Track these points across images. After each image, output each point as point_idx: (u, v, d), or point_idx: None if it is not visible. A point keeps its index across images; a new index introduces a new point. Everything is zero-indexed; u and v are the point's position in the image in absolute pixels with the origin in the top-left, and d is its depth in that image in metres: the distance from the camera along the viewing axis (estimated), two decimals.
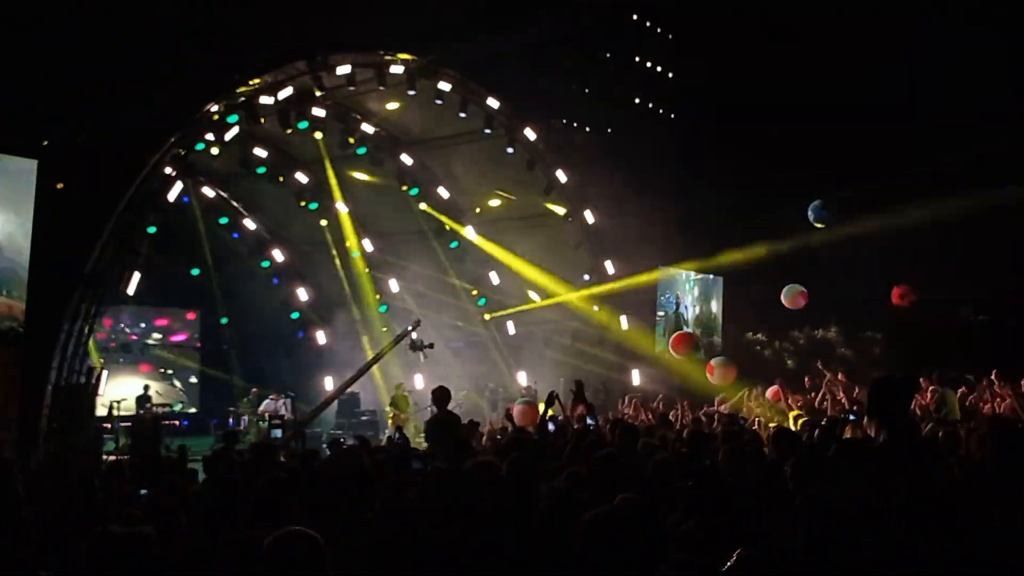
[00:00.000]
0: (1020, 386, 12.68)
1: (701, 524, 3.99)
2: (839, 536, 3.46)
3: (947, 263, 21.71)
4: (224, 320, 24.11)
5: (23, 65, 13.00)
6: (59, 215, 13.43)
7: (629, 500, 3.76)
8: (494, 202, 22.06)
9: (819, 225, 16.99)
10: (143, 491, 7.05)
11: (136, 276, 14.88)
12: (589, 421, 9.86)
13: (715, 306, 25.20)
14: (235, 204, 23.01)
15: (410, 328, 16.62)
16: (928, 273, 21.51)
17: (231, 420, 21.26)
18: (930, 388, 12.27)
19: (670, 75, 28.23)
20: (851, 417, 10.18)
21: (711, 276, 24.90)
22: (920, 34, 22.43)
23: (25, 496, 6.39)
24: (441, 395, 9.34)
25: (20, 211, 13.32)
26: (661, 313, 23.21)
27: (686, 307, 24.10)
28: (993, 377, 12.27)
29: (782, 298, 17.88)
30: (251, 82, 16.28)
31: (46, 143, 13.55)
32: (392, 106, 19.55)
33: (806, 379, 16.00)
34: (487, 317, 23.30)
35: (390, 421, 19.35)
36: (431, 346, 17.15)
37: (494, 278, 23.02)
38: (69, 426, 13.60)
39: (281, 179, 21.00)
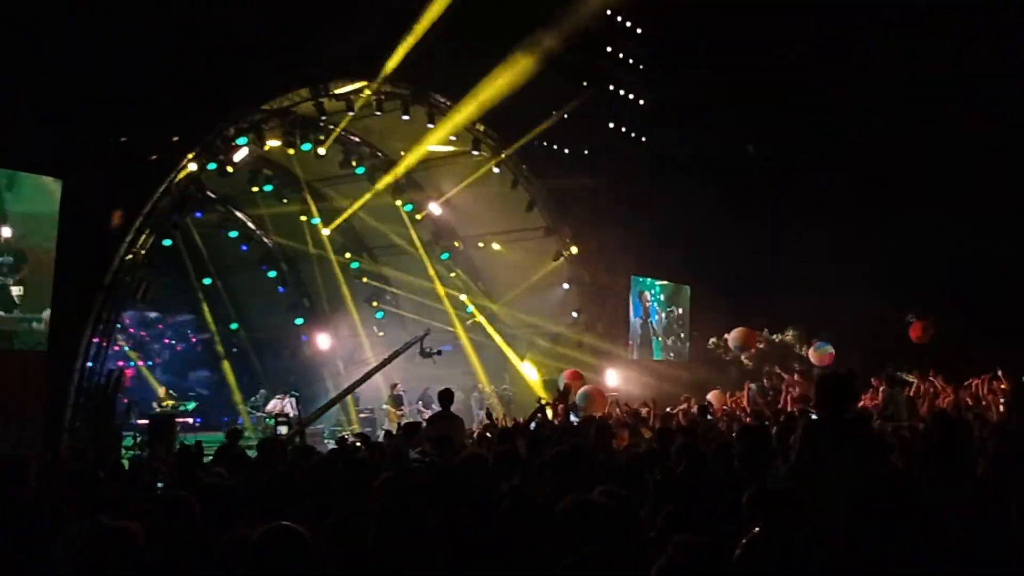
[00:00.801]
0: (971, 386, 12.82)
1: (670, 514, 4.02)
2: (781, 524, 3.50)
3: (894, 272, 21.97)
4: (234, 325, 24.09)
5: (50, 89, 13.00)
6: (81, 229, 13.43)
7: (606, 491, 3.81)
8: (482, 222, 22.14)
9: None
10: (160, 484, 7.04)
11: (153, 285, 14.85)
12: (572, 418, 9.94)
13: (682, 312, 25.33)
14: (244, 219, 23.01)
15: (421, 336, 16.75)
16: (876, 282, 21.78)
17: (240, 418, 21.24)
18: (880, 388, 12.37)
19: (641, 102, 28.35)
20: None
21: (679, 284, 25.06)
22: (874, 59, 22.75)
23: (46, 489, 6.38)
24: (446, 396, 9.44)
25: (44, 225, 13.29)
26: (636, 322, 23.33)
27: (653, 314, 24.20)
28: (931, 376, 12.41)
29: (810, 354, 18.17)
30: (260, 107, 16.31)
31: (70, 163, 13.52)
32: (388, 129, 19.58)
33: (764, 379, 16.17)
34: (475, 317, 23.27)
35: (389, 418, 19.39)
36: (439, 352, 17.33)
37: (481, 287, 23.04)
38: (90, 424, 13.56)
39: (286, 200, 21.02)
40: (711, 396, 15.54)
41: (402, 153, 19.85)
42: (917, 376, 12.88)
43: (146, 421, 16.84)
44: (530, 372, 21.41)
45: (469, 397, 21.15)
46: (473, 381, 21.90)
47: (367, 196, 20.51)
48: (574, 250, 21.46)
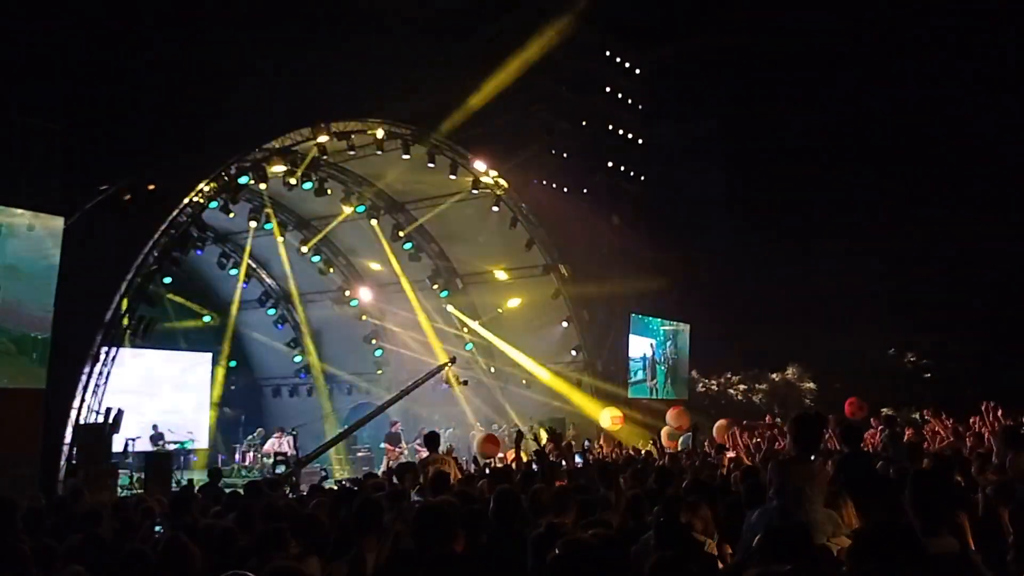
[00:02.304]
0: (973, 424, 12.72)
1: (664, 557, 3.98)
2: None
3: (880, 309, 22.14)
4: (232, 363, 24.03)
5: (53, 129, 13.11)
6: (82, 267, 13.44)
7: (599, 534, 3.79)
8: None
9: None
10: (158, 527, 6.95)
11: (152, 323, 14.84)
12: (578, 460, 9.95)
13: (680, 351, 25.29)
14: (244, 257, 23.02)
15: (445, 364, 16.56)
16: (862, 318, 21.96)
17: (237, 456, 21.08)
18: (879, 428, 12.28)
19: (640, 141, 28.62)
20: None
21: (678, 324, 25.06)
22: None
23: (42, 528, 6.32)
24: (431, 438, 9.60)
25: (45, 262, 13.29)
26: (636, 356, 23.26)
27: (658, 353, 24.15)
28: (927, 415, 12.33)
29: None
30: (262, 146, 16.42)
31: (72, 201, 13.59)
32: (388, 168, 19.69)
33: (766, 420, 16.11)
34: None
35: (388, 456, 19.24)
36: (465, 383, 17.08)
37: (479, 328, 22.97)
38: (87, 462, 13.46)
39: (283, 237, 21.07)
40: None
41: (402, 191, 19.95)
42: (930, 415, 12.77)
43: (143, 459, 16.73)
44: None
45: (468, 435, 21.03)
46: (470, 420, 21.78)
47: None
48: (573, 288, 21.49)
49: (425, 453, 18.21)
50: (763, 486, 5.76)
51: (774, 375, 23.01)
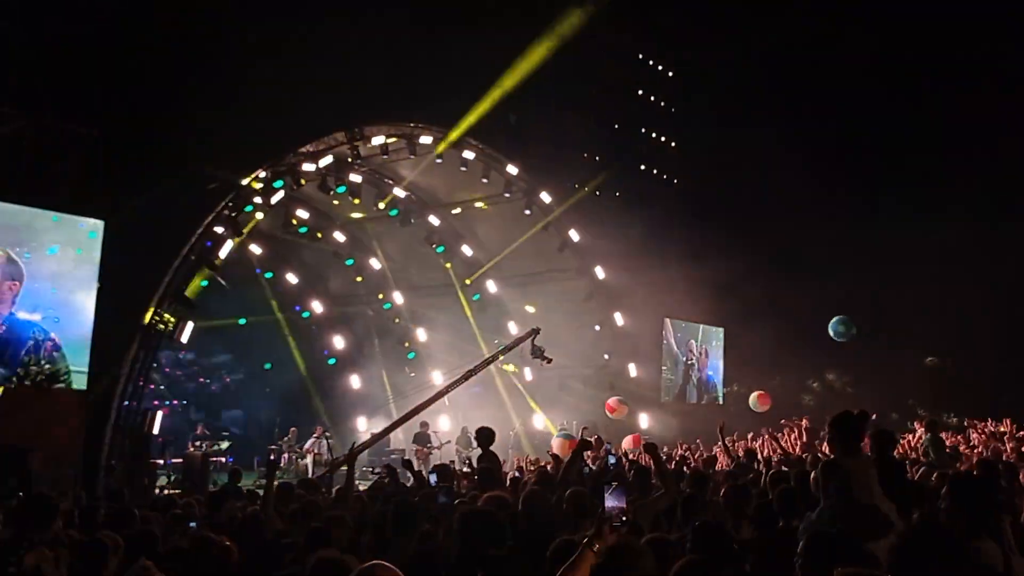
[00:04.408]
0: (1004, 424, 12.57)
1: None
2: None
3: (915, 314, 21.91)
4: (268, 365, 24.25)
5: (92, 135, 13.33)
6: (121, 271, 13.66)
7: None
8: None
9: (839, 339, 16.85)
10: (192, 523, 7.05)
11: (189, 326, 15.01)
12: (611, 460, 9.94)
13: (715, 355, 25.13)
14: (279, 260, 23.23)
15: (532, 332, 16.08)
16: (895, 323, 21.73)
17: (272, 457, 21.25)
18: (921, 432, 12.14)
19: (672, 144, 28.50)
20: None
21: (712, 327, 24.89)
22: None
23: (95, 524, 6.43)
24: (486, 435, 9.59)
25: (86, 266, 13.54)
26: (670, 360, 23.14)
27: (693, 358, 24.00)
28: (969, 422, 12.20)
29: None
30: (296, 151, 16.58)
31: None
32: (421, 172, 19.78)
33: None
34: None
35: (417, 456, 19.28)
36: (550, 360, 16.36)
37: (512, 328, 22.98)
38: (126, 463, 13.68)
39: (319, 236, 21.20)
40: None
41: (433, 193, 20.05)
42: (970, 422, 12.64)
43: (180, 460, 16.95)
44: (539, 424, 21.29)
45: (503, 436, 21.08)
46: (506, 421, 21.78)
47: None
48: (605, 292, 21.43)
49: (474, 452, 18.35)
50: (793, 491, 5.74)
51: (812, 382, 22.79)
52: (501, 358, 16.90)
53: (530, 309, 21.98)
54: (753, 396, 18.46)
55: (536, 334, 15.54)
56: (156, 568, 4.33)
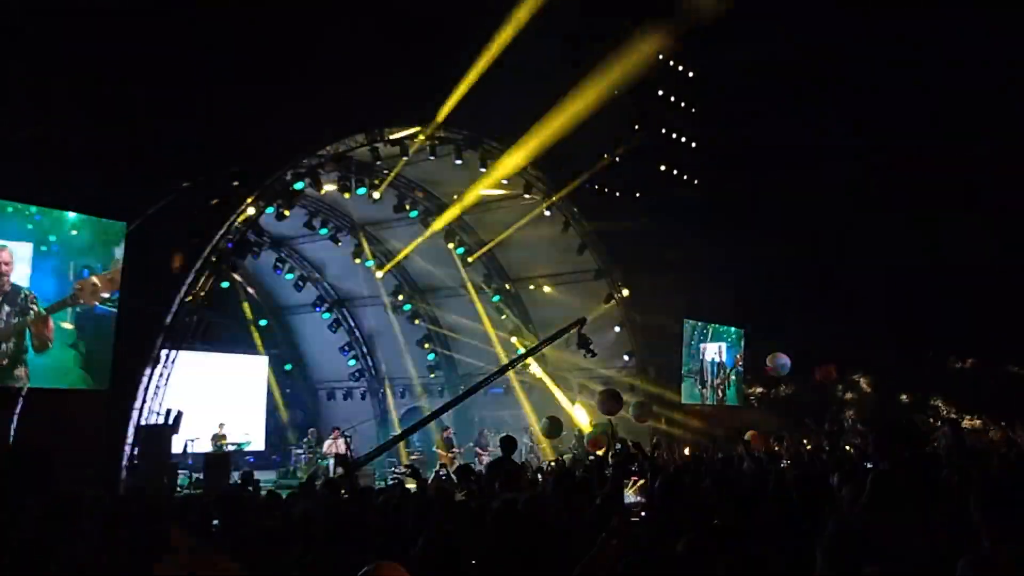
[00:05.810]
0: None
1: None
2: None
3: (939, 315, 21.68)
4: (288, 366, 24.38)
5: (113, 136, 13.40)
6: (143, 270, 13.74)
7: None
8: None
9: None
10: (215, 522, 7.05)
11: (211, 326, 15.08)
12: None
13: (735, 355, 24.93)
14: (300, 261, 23.35)
15: (579, 322, 15.77)
16: (919, 323, 21.51)
17: (292, 457, 21.36)
18: (942, 432, 12.00)
19: (693, 144, 28.34)
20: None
21: (732, 327, 24.70)
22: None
23: (104, 527, 6.44)
24: (508, 443, 9.73)
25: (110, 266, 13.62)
26: (689, 361, 22.96)
27: (715, 356, 23.81)
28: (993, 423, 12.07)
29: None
30: (317, 152, 16.61)
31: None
32: (440, 173, 19.75)
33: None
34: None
35: (441, 460, 19.31)
36: (595, 353, 15.98)
37: (532, 329, 22.96)
38: (148, 462, 13.74)
39: (339, 242, 21.25)
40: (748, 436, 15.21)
41: (455, 197, 20.00)
42: (991, 421, 12.51)
43: (202, 459, 17.05)
44: (581, 416, 21.11)
45: (520, 440, 21.03)
46: (523, 424, 21.74)
47: (419, 239, 20.67)
48: (625, 293, 21.32)
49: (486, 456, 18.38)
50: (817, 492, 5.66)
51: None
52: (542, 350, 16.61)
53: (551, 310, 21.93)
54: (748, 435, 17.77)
55: (583, 324, 15.19)
56: None
